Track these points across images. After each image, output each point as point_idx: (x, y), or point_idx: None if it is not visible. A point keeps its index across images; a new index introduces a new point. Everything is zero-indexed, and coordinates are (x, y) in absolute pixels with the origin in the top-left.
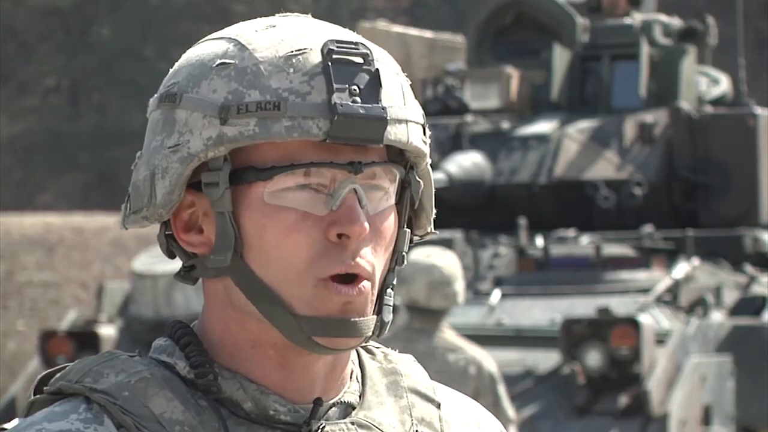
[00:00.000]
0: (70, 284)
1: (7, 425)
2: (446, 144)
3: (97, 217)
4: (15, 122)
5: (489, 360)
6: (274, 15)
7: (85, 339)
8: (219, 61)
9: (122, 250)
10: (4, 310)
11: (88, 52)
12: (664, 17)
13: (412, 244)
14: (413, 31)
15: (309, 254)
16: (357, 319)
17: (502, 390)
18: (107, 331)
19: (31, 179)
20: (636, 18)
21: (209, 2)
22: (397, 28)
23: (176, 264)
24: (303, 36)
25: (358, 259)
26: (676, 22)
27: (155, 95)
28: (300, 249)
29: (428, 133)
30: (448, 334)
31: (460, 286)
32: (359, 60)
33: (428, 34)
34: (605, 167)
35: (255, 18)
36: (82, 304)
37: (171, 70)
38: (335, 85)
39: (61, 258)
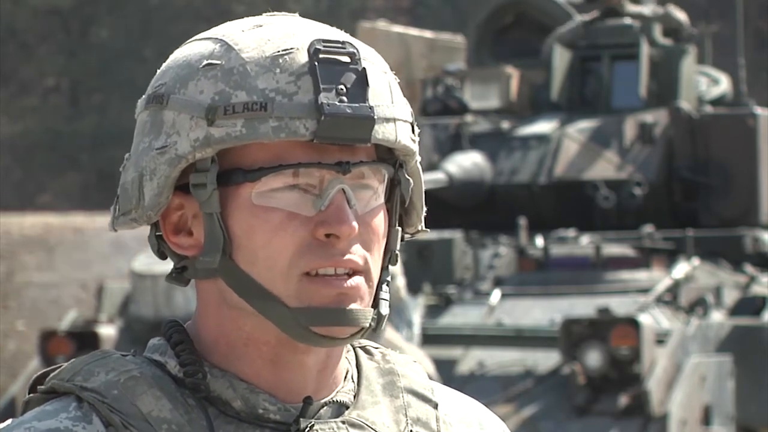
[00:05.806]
0: (70, 284)
1: (1, 425)
2: (446, 144)
3: (97, 217)
4: (15, 122)
5: (427, 361)
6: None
7: (85, 339)
8: (206, 62)
9: (122, 250)
10: (4, 310)
11: (88, 52)
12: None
13: (403, 242)
14: (413, 31)
15: (293, 252)
16: (353, 307)
17: None
18: (107, 331)
19: (31, 179)
20: (631, 8)
21: (209, 2)
22: (397, 28)
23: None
24: (290, 35)
25: (349, 255)
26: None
27: (143, 96)
28: (286, 247)
29: (417, 131)
30: (389, 333)
31: (401, 281)
32: (346, 59)
33: (428, 34)
34: (605, 167)
35: None
36: (82, 304)
37: (158, 71)
38: (322, 85)
39: (61, 258)
